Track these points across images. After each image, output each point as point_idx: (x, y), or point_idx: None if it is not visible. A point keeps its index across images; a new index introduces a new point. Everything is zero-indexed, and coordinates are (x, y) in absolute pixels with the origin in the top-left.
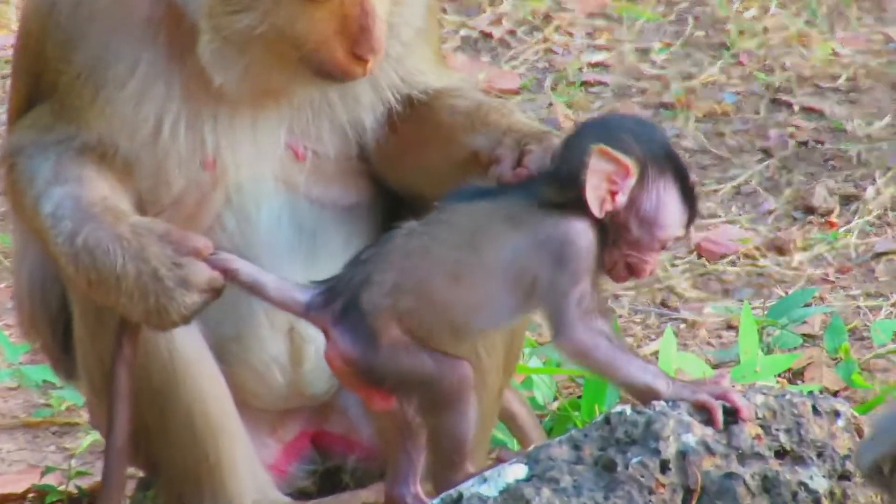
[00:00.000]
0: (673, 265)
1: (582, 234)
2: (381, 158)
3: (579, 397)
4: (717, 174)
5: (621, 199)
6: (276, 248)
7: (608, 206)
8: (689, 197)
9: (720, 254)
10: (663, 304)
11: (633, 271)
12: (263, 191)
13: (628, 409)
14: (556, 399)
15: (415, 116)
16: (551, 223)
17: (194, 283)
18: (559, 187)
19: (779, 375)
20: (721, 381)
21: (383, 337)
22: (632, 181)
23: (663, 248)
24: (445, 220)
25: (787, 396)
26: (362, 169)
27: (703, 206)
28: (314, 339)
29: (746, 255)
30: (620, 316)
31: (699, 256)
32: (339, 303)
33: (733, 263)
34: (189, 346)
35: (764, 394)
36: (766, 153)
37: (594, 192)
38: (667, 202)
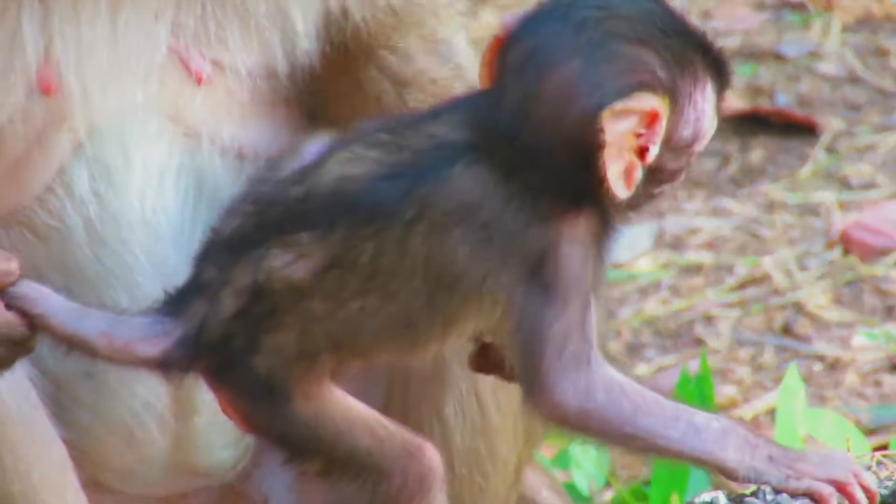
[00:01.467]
0: (802, 268)
1: (578, 244)
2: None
3: (646, 483)
4: (876, 118)
5: (653, 151)
6: (156, 227)
7: (637, 175)
8: (722, 70)
9: (879, 249)
10: (786, 330)
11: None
12: (136, 131)
13: (722, 497)
14: (608, 485)
15: (338, 65)
16: (533, 231)
17: None
18: (531, 163)
19: None
20: (840, 460)
21: (297, 401)
22: (663, 122)
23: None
24: (354, 246)
25: None
26: (298, 97)
27: (854, 169)
28: None
29: None
30: (717, 352)
31: (845, 253)
32: (212, 360)
33: None
34: (9, 395)
35: None
36: None
37: (616, 170)
38: (706, 110)
